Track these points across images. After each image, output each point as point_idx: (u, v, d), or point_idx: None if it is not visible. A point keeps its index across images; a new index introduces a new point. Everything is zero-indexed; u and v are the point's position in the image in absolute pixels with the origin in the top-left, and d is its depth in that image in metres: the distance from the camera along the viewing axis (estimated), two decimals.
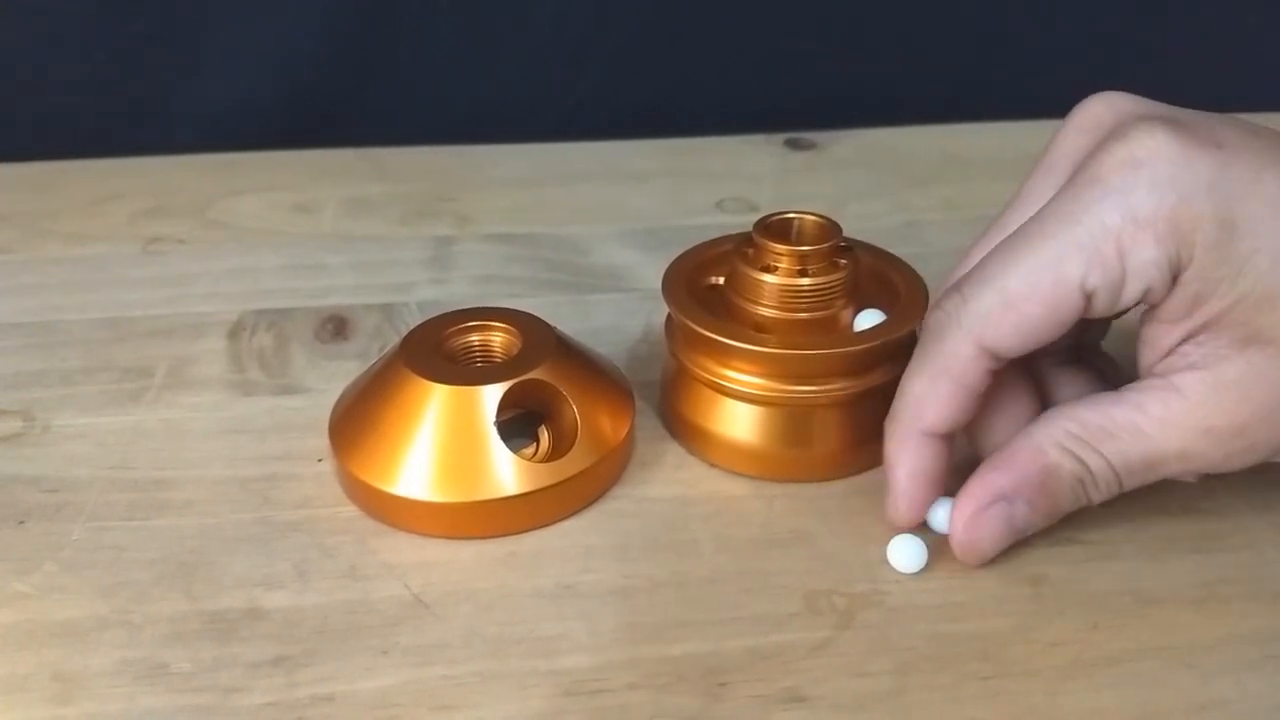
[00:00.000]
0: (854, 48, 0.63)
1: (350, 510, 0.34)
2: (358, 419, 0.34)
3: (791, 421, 0.35)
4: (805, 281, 0.35)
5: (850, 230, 0.36)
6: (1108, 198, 0.29)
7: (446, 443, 0.33)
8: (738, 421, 0.35)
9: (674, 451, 0.37)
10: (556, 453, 0.34)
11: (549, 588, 0.32)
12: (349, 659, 0.30)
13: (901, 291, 0.36)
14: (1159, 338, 0.30)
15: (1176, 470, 0.30)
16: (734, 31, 0.62)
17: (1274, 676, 0.29)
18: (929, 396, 0.31)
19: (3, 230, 0.50)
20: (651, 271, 0.46)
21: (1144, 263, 0.28)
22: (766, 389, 0.34)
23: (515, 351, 0.35)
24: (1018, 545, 0.33)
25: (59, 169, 0.55)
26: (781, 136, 0.59)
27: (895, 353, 0.35)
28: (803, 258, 0.35)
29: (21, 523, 0.34)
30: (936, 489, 0.32)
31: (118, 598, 0.31)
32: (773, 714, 0.28)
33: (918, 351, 0.32)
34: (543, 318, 0.37)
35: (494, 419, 0.33)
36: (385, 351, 0.37)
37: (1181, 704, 0.28)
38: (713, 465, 0.36)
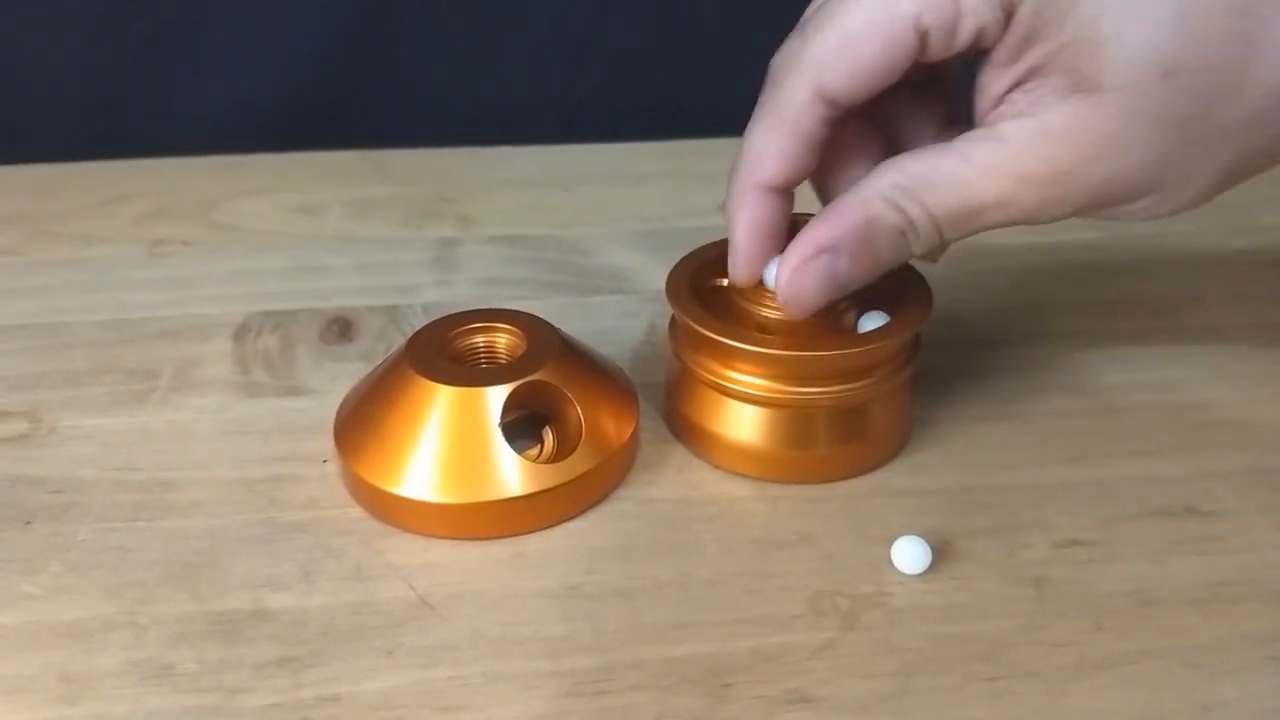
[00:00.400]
0: None
1: (355, 511, 0.34)
2: (363, 420, 0.35)
3: (795, 423, 0.35)
4: None
5: None
6: None
7: (451, 444, 0.33)
8: (741, 423, 0.35)
9: (678, 453, 0.37)
10: (561, 454, 0.34)
11: (553, 589, 0.32)
12: (354, 660, 0.30)
13: (905, 293, 0.36)
14: (991, 84, 0.30)
15: (996, 219, 0.31)
16: (734, 31, 0.62)
17: (1277, 677, 0.29)
18: (767, 147, 0.32)
19: (8, 232, 0.50)
20: (655, 273, 0.46)
21: (977, 1, 0.29)
22: (770, 390, 0.34)
23: (519, 353, 0.35)
24: (1019, 547, 0.33)
25: (63, 171, 0.55)
26: None
27: (899, 355, 0.35)
28: None
29: (28, 524, 0.34)
30: (775, 244, 0.33)
31: (124, 598, 0.31)
32: (777, 715, 0.28)
33: (760, 99, 0.32)
34: (547, 319, 0.37)
35: (498, 420, 0.33)
36: (390, 353, 0.37)
37: (1184, 705, 0.29)
38: (716, 467, 0.36)
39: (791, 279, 0.32)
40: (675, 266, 0.38)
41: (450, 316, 0.37)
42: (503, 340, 0.37)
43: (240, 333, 0.43)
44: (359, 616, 0.31)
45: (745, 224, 0.32)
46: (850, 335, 0.36)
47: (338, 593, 0.32)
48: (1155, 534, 0.34)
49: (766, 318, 0.35)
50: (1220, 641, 0.30)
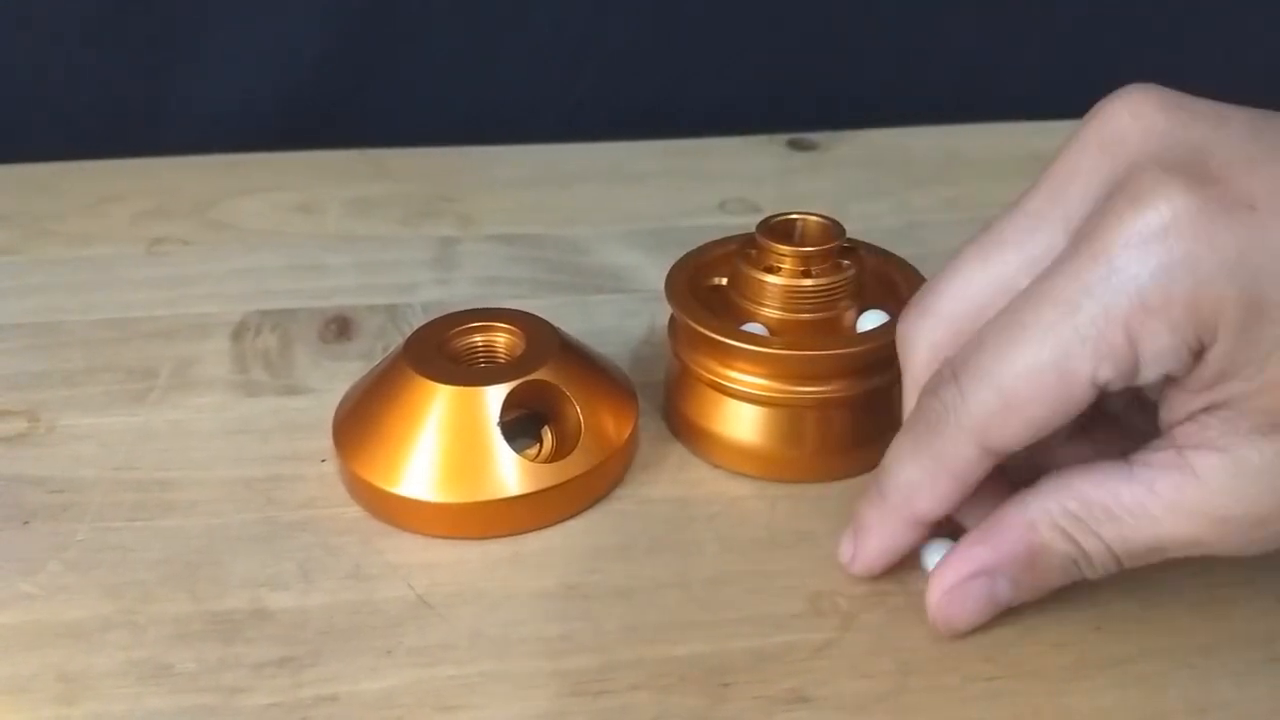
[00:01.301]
0: (856, 48, 0.63)
1: (354, 510, 0.34)
2: (361, 420, 0.35)
3: (795, 422, 0.35)
4: (808, 282, 0.35)
5: (852, 231, 0.36)
6: (1113, 278, 0.25)
7: (450, 443, 0.33)
8: (741, 422, 0.35)
9: (677, 452, 0.37)
10: (560, 453, 0.34)
11: (553, 588, 0.32)
12: (353, 659, 0.30)
13: (904, 292, 0.36)
14: (1178, 403, 0.27)
15: (1185, 553, 0.28)
16: (734, 31, 0.62)
17: (1275, 679, 0.29)
18: (924, 489, 0.29)
19: (6, 231, 0.50)
20: (654, 272, 0.46)
21: (1159, 350, 0.26)
22: (769, 390, 0.34)
23: (519, 352, 0.35)
24: None
25: (61, 170, 0.55)
26: (783, 137, 0.59)
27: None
28: (806, 259, 0.35)
29: (26, 523, 0.34)
30: (900, 559, 0.31)
31: (123, 598, 0.31)
32: (776, 714, 0.28)
33: (910, 435, 0.29)
34: (546, 318, 0.37)
35: (497, 420, 0.33)
36: (389, 352, 0.37)
37: (1183, 706, 0.29)
38: (716, 466, 0.36)
39: (945, 600, 0.29)
40: (674, 266, 0.38)
41: (449, 315, 0.37)
42: (502, 339, 0.36)
43: (239, 332, 0.43)
44: (358, 616, 0.31)
45: (882, 551, 0.31)
46: (850, 334, 0.36)
47: (337, 592, 0.32)
48: None
49: (766, 317, 0.35)
50: (1219, 643, 0.30)
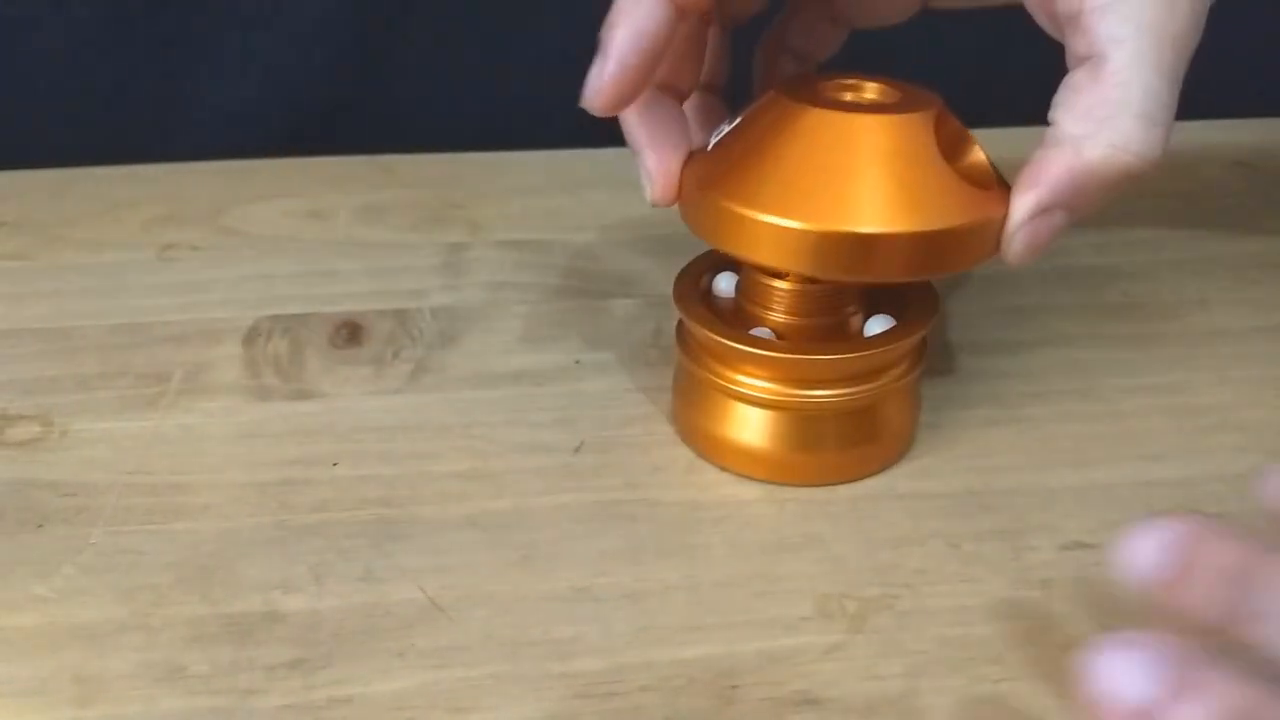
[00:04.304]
0: (858, 52, 0.63)
1: (366, 513, 0.35)
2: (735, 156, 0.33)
3: (802, 426, 0.35)
4: (815, 287, 0.35)
5: None
6: None
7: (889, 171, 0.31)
8: (748, 426, 0.35)
9: (686, 456, 0.37)
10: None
11: (563, 591, 0.32)
12: (365, 661, 0.30)
13: (910, 297, 0.36)
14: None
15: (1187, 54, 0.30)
16: (737, 36, 0.62)
17: None
18: None
19: (18, 237, 0.51)
20: (662, 277, 0.46)
21: None
22: (777, 394, 0.35)
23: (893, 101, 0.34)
24: (1026, 549, 0.33)
25: (73, 176, 0.56)
26: None
27: (905, 358, 0.36)
28: None
29: (40, 526, 0.34)
30: (656, 65, 0.30)
31: (136, 601, 0.32)
32: (785, 716, 0.28)
33: None
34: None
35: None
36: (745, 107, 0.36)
37: None
38: (724, 469, 0.36)
39: (1022, 249, 0.32)
40: (682, 271, 0.38)
41: (814, 74, 0.36)
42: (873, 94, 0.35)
43: (250, 337, 0.43)
44: (370, 618, 0.31)
45: (632, 29, 0.30)
46: (857, 339, 0.36)
47: (349, 595, 0.32)
48: None
49: (774, 321, 0.36)
50: (1225, 644, 0.30)
